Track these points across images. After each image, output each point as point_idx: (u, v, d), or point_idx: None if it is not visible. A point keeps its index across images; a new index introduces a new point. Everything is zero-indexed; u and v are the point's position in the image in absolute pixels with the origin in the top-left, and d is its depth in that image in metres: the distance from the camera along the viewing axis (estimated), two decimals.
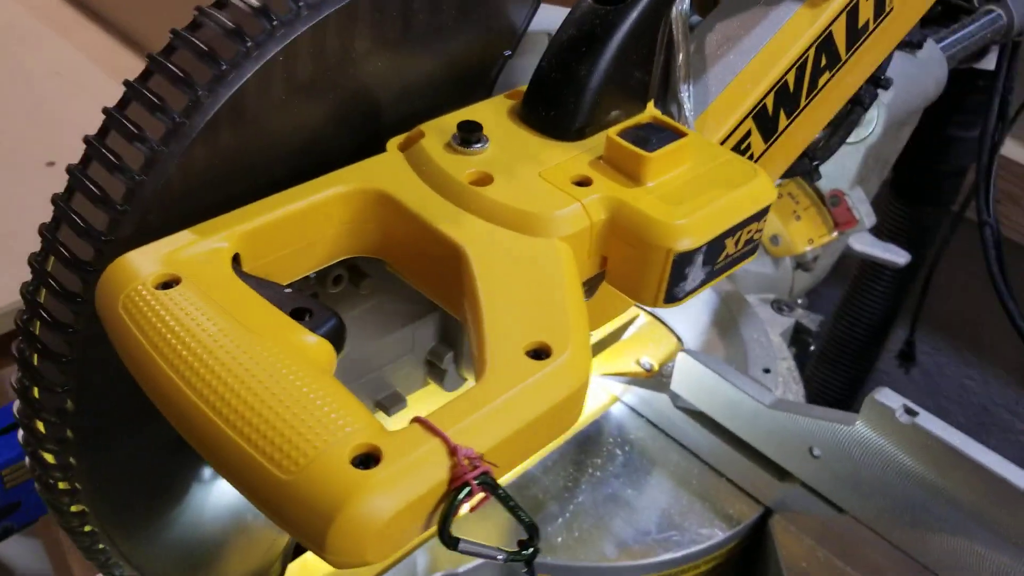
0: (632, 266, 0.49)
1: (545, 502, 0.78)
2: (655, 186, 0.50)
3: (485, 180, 0.49)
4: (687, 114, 0.61)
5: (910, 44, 0.94)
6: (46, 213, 0.96)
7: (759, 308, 0.98)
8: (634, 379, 0.87)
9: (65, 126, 1.04)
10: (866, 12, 0.67)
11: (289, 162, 0.52)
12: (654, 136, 0.51)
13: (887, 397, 0.66)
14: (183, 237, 0.44)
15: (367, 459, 0.36)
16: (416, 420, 0.38)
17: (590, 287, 0.53)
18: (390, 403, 0.68)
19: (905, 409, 0.66)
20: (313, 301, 0.43)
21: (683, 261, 0.48)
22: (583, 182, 0.50)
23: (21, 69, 1.16)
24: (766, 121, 0.64)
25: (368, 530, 0.35)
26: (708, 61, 0.63)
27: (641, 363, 0.90)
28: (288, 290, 0.44)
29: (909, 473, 0.67)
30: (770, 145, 0.65)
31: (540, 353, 0.41)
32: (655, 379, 0.87)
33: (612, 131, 0.51)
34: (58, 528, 0.97)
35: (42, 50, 1.18)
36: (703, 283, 0.51)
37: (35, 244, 0.88)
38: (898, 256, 1.08)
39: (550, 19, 0.63)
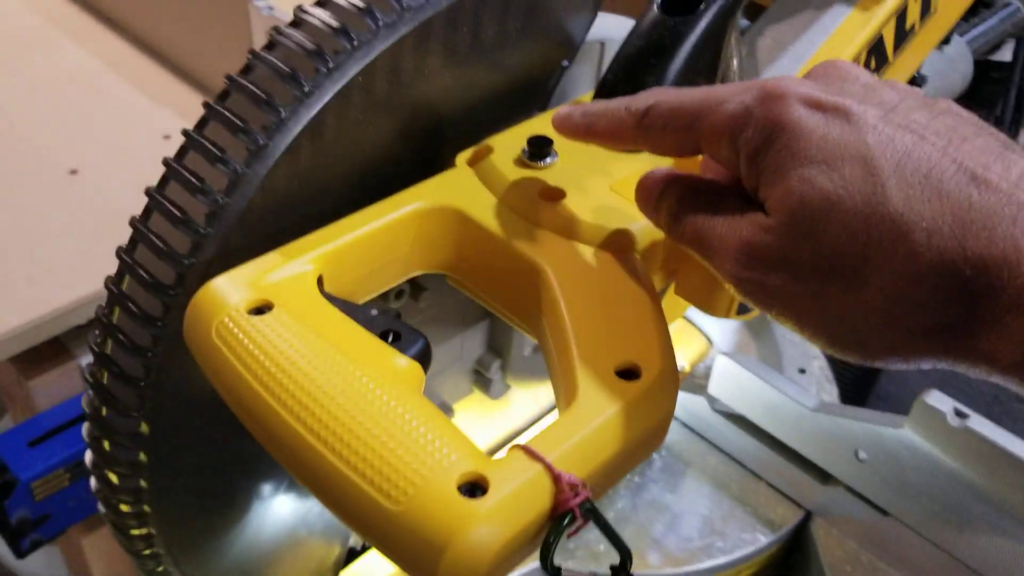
0: (704, 278, 0.49)
1: None
2: None
3: (558, 195, 0.49)
4: None
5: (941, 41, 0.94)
6: (70, 220, 0.95)
7: None
8: None
9: (86, 133, 1.02)
10: (913, 14, 0.67)
11: (363, 180, 0.51)
12: None
13: (937, 400, 0.67)
14: (269, 261, 0.44)
15: (474, 488, 0.35)
16: (517, 447, 0.37)
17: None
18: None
19: (956, 412, 0.66)
20: (400, 322, 0.43)
21: None
22: None
23: (40, 77, 1.15)
24: None
25: (480, 559, 0.34)
26: (761, 66, 0.63)
27: None
28: (374, 311, 0.43)
29: (958, 476, 0.68)
30: None
31: (631, 373, 0.41)
32: (688, 381, 0.87)
33: None
34: (80, 536, 0.96)
35: (60, 58, 1.17)
36: None
37: (59, 252, 0.87)
38: None
39: (602, 27, 0.63)
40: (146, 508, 0.50)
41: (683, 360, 0.91)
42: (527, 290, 0.46)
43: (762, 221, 0.36)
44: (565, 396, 0.41)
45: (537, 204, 0.48)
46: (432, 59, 0.49)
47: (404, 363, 0.40)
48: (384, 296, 0.56)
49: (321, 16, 0.47)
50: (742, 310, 0.49)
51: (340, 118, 0.46)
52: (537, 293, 0.46)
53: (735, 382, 0.78)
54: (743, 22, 0.66)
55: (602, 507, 0.78)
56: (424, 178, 0.52)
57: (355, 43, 0.45)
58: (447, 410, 0.68)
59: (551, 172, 0.50)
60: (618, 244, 0.47)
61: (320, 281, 0.45)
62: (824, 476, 0.77)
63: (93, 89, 1.10)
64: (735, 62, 0.61)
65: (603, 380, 0.40)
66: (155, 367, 0.44)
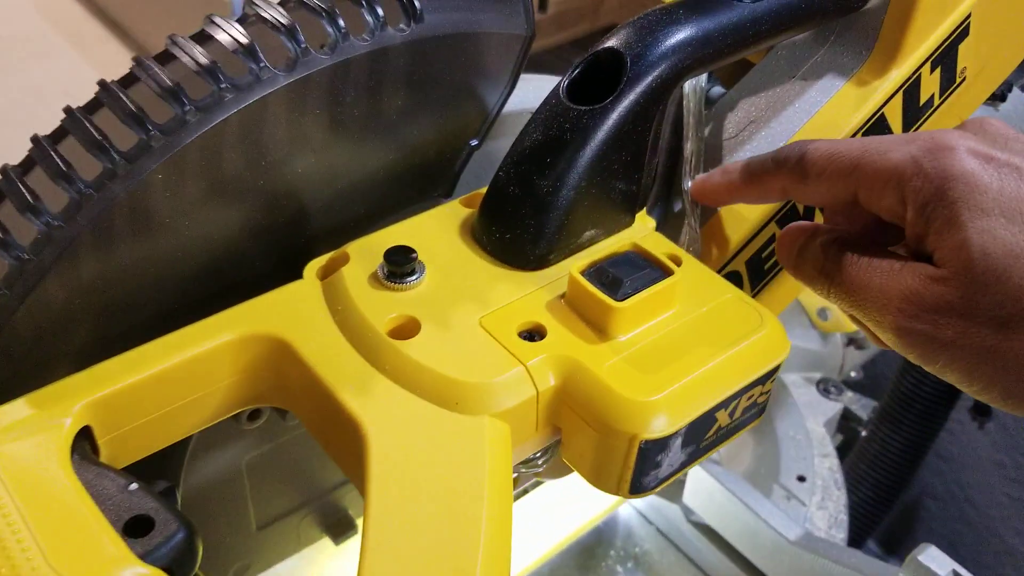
0: (590, 447, 0.38)
1: None
2: (626, 341, 0.39)
3: (410, 329, 0.39)
4: (692, 220, 0.50)
5: (992, 97, 0.80)
6: None
7: (802, 391, 0.86)
8: None
9: None
10: (930, 86, 0.54)
11: (198, 285, 0.43)
12: (630, 275, 0.40)
13: (934, 559, 0.55)
14: (13, 410, 0.35)
15: None
16: None
17: (547, 453, 0.42)
18: (339, 530, 0.59)
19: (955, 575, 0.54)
20: (161, 505, 0.34)
21: (653, 449, 0.37)
22: (534, 332, 0.40)
23: (31, 86, 1.10)
24: (795, 220, 0.52)
25: None
26: (726, 148, 0.52)
27: None
28: (134, 487, 0.34)
29: None
30: None
31: None
32: None
33: (576, 266, 0.40)
34: None
35: (57, 67, 1.12)
36: (684, 465, 0.40)
37: None
38: None
39: (535, 93, 0.52)
40: None
41: None
42: (353, 448, 0.37)
43: (931, 272, 0.36)
44: None
45: (380, 342, 0.39)
46: (291, 130, 0.41)
47: (138, 574, 0.31)
48: (236, 417, 0.47)
49: (155, 73, 0.38)
50: (635, 489, 0.39)
51: (170, 195, 0.37)
52: (362, 455, 0.36)
53: (709, 496, 0.67)
54: (717, 89, 0.55)
55: None
56: (285, 282, 0.43)
57: (187, 108, 0.37)
58: (351, 527, 0.59)
59: (412, 296, 0.41)
60: (468, 403, 0.37)
61: (88, 435, 0.36)
62: None
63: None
64: (690, 146, 0.50)
65: None
66: None
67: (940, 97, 0.55)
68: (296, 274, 0.43)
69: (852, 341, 0.87)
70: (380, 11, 0.42)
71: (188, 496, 0.49)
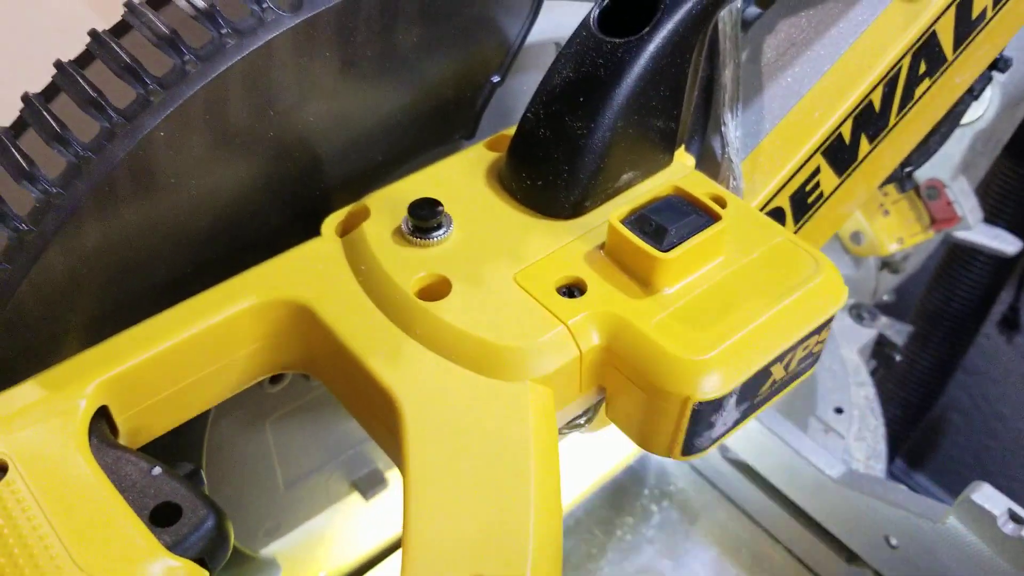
0: (638, 409, 0.36)
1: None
2: (673, 294, 0.36)
3: (440, 289, 0.37)
4: (731, 154, 0.46)
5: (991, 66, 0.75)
6: None
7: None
8: None
9: None
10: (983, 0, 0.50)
11: (211, 243, 0.40)
12: (675, 222, 0.37)
13: (988, 499, 0.53)
14: (24, 393, 0.33)
15: None
16: None
17: (589, 412, 0.40)
18: (368, 484, 0.57)
19: (1011, 515, 0.52)
20: (187, 490, 0.32)
21: (707, 410, 0.35)
22: (574, 288, 0.37)
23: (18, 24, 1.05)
24: (841, 152, 0.49)
25: None
26: (765, 75, 0.48)
27: None
28: (157, 471, 0.32)
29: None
30: (846, 178, 0.51)
31: None
32: None
33: (616, 215, 0.37)
34: None
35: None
36: (738, 423, 0.38)
37: None
38: (1007, 244, 0.92)
39: (558, 22, 0.49)
40: None
41: None
42: (386, 420, 0.35)
43: None
44: None
45: (408, 303, 0.36)
46: (306, 77, 0.38)
47: (173, 567, 0.29)
48: (258, 382, 0.45)
49: (150, 20, 0.35)
50: (688, 451, 0.36)
51: (174, 153, 0.35)
52: (396, 427, 0.34)
53: (745, 432, 0.65)
54: (752, 10, 0.51)
55: (580, 571, 0.67)
56: (303, 239, 0.40)
57: (187, 58, 0.34)
58: (379, 481, 0.58)
59: (440, 252, 0.38)
60: (508, 368, 0.34)
61: (105, 415, 0.34)
62: (850, 555, 0.64)
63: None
64: (728, 72, 0.46)
65: None
66: None
67: (993, 9, 0.51)
68: (315, 229, 0.40)
69: (886, 265, 0.85)
70: None
71: (212, 459, 0.48)
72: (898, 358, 0.84)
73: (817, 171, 0.48)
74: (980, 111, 0.74)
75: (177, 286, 0.39)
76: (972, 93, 0.63)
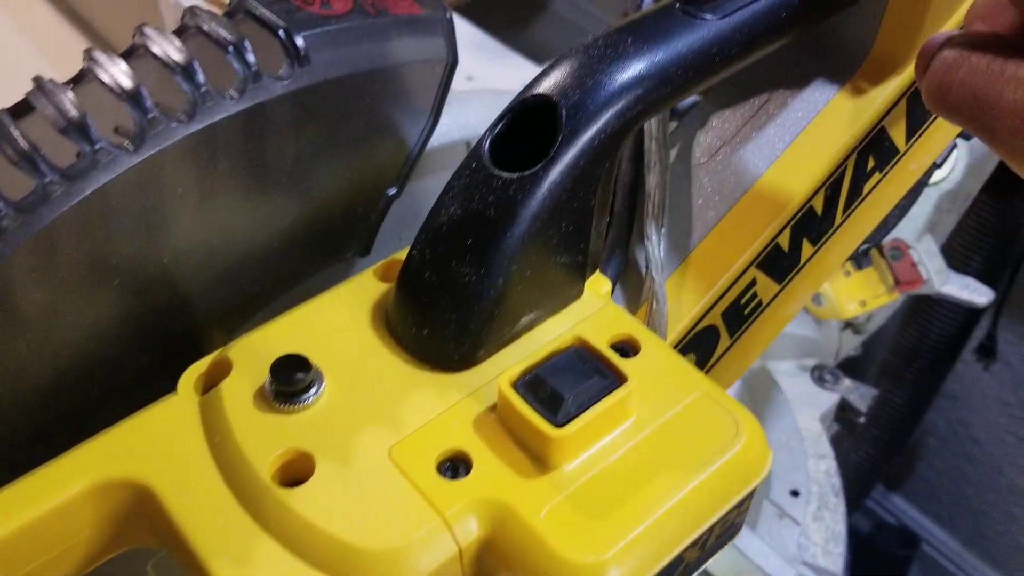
0: None
1: None
2: (572, 472, 0.32)
3: (301, 469, 0.32)
4: (654, 273, 0.42)
5: None
6: None
7: (795, 380, 0.79)
8: None
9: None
10: None
11: (54, 398, 0.35)
12: (573, 387, 0.32)
13: None
14: None
15: None
16: None
17: None
18: None
19: None
20: None
21: None
22: (457, 463, 0.32)
23: None
24: (780, 261, 0.44)
25: None
26: (695, 179, 0.44)
27: None
28: None
29: None
30: (788, 283, 0.46)
31: None
32: None
33: (506, 377, 0.32)
34: None
35: None
36: None
37: None
38: (978, 295, 0.87)
39: (468, 120, 0.44)
40: None
41: None
42: None
43: None
44: None
45: (262, 490, 0.31)
46: (161, 213, 0.33)
47: None
48: None
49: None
50: None
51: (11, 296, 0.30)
52: None
53: None
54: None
55: None
56: (168, 385, 0.35)
57: (48, 181, 0.29)
58: None
59: (306, 419, 0.33)
60: (376, 573, 0.30)
61: None
62: None
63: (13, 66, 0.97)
64: (654, 179, 0.42)
65: None
66: None
67: None
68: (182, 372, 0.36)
69: (849, 325, 0.80)
70: (251, 59, 0.33)
71: None
72: (862, 420, 0.80)
73: (753, 283, 0.44)
74: (946, 173, 0.70)
75: (19, 450, 0.34)
76: (936, 164, 0.59)
